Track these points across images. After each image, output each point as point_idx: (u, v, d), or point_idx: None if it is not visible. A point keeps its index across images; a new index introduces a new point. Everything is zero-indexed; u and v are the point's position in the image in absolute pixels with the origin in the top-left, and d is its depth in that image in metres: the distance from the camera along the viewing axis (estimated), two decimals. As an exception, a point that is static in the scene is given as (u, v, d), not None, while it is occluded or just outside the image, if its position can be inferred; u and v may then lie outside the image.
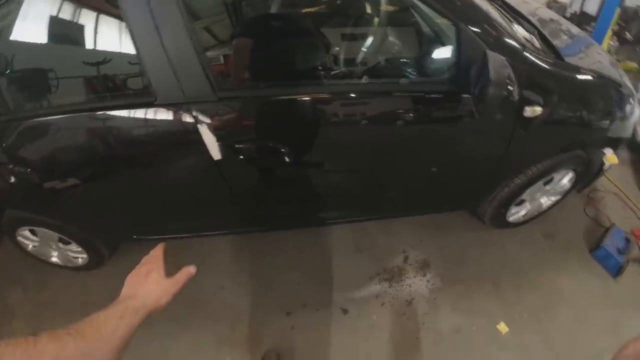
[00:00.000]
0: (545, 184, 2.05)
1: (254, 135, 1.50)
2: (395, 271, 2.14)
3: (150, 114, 1.39)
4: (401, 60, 1.71)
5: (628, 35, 3.98)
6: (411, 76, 1.63)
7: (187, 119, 1.39)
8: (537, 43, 1.78)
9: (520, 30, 1.80)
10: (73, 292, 2.17)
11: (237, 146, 1.48)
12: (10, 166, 1.53)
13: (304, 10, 1.96)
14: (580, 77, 1.71)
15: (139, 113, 1.41)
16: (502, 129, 1.64)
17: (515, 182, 1.93)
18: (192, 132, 1.41)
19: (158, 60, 1.31)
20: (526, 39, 1.72)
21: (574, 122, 1.75)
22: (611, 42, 3.94)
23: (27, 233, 1.92)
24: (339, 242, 2.24)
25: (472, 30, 1.41)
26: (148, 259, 0.76)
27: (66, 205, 1.71)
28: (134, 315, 0.62)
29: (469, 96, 1.47)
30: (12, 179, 1.55)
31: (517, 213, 2.19)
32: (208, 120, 1.40)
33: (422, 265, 2.16)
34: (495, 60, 1.32)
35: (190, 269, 0.74)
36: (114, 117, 1.41)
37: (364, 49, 1.80)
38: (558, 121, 1.70)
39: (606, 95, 1.83)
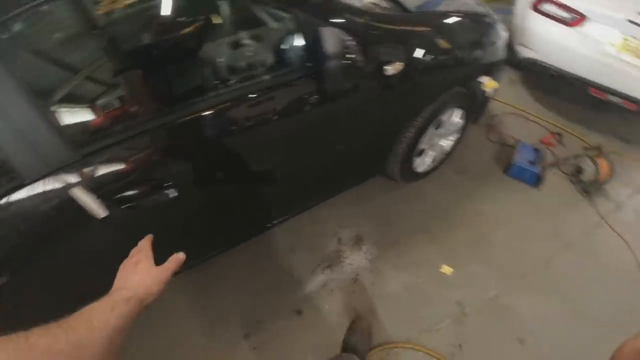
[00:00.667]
0: (437, 128, 2.16)
1: (142, 177, 1.46)
2: (333, 256, 2.17)
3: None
4: (260, 60, 1.75)
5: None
6: (276, 70, 1.65)
7: (59, 188, 1.30)
8: (385, 4, 1.88)
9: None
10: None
11: (120, 195, 1.43)
12: None
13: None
14: (444, 20, 1.87)
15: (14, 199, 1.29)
16: (369, 94, 1.71)
17: (407, 137, 2.01)
18: (63, 202, 1.31)
19: (9, 140, 1.21)
20: (372, 4, 1.81)
21: (445, 63, 1.87)
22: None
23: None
24: (273, 248, 2.24)
25: (304, 12, 1.46)
26: (136, 250, 0.77)
27: None
28: (125, 305, 0.61)
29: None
30: None
31: (423, 163, 2.29)
32: (77, 182, 1.34)
33: (356, 241, 2.21)
34: (327, 34, 1.39)
35: (180, 255, 0.76)
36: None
37: (222, 60, 1.81)
38: (427, 67, 1.80)
39: (473, 28, 1.98)
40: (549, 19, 2.74)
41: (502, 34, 2.25)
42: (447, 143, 2.32)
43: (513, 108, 3.00)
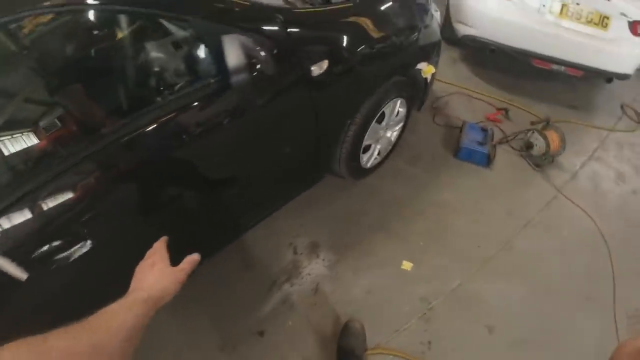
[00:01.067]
0: (380, 122, 2.07)
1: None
2: (290, 267, 2.06)
3: None
4: (168, 74, 1.60)
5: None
6: (186, 84, 1.51)
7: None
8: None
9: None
10: None
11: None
12: None
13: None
14: (374, 7, 1.75)
15: None
16: (299, 99, 1.59)
17: (349, 135, 1.92)
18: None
19: None
20: (288, 2, 1.68)
21: (380, 52, 1.77)
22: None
23: None
24: (226, 269, 2.10)
25: (205, 20, 1.33)
26: (152, 251, 0.78)
27: None
28: (142, 306, 0.62)
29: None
30: None
31: (371, 157, 2.20)
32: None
33: (312, 249, 2.11)
34: (230, 43, 1.26)
35: (195, 257, 0.77)
36: None
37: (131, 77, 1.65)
38: (361, 60, 1.69)
39: (403, 13, 1.88)
40: (485, -7, 2.70)
41: (435, 14, 2.18)
42: (392, 134, 2.24)
43: (457, 87, 2.96)
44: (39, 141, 1.24)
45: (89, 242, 1.25)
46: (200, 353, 1.86)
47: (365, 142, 2.05)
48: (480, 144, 2.45)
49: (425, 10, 2.03)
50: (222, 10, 1.33)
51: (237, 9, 1.37)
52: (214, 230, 1.85)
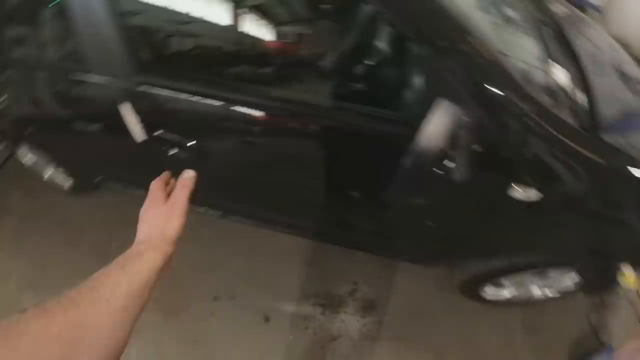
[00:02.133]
0: (538, 276, 1.62)
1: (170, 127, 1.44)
2: (335, 300, 1.93)
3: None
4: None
5: None
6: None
7: (111, 94, 1.42)
8: (577, 99, 1.31)
9: (558, 75, 1.34)
10: (58, 209, 2.42)
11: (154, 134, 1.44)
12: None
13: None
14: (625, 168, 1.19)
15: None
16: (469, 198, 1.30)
17: (491, 263, 1.55)
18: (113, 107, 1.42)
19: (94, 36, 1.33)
20: (560, 89, 1.28)
21: (586, 221, 1.29)
22: None
23: (25, 150, 2.16)
24: (293, 248, 2.09)
25: (444, 61, 1.09)
26: (148, 195, 0.64)
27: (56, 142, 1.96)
28: (138, 262, 0.51)
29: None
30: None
31: (495, 293, 1.77)
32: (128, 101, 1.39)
33: (366, 305, 1.91)
34: (444, 112, 1.01)
35: (189, 173, 0.65)
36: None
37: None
38: (561, 214, 1.27)
39: None
40: None
41: None
42: (539, 293, 1.74)
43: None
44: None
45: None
46: (216, 289, 2.02)
47: (502, 280, 1.65)
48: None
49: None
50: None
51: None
52: (343, 224, 1.78)
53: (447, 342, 1.84)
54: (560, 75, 1.36)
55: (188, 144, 1.41)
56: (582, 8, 2.71)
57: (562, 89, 1.30)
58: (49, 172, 2.31)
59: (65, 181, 2.32)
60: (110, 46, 1.32)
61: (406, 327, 1.87)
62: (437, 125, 1.05)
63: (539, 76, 1.27)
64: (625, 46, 2.02)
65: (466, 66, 1.08)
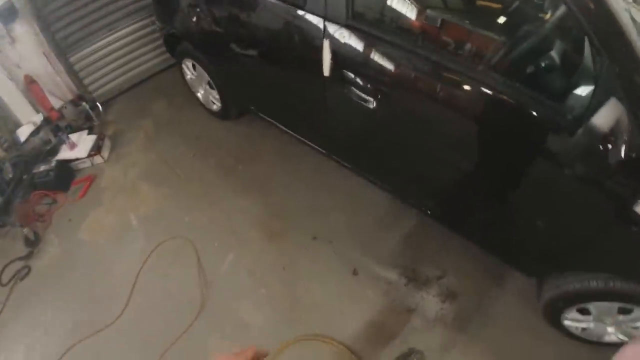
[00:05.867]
0: (624, 313, 1.59)
1: (365, 71, 1.64)
2: (422, 277, 2.04)
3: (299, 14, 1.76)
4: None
5: None
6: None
7: (318, 31, 1.70)
8: None
9: None
10: (197, 125, 2.77)
11: (345, 72, 1.67)
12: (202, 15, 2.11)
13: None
14: None
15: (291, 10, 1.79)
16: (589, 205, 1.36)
17: (588, 282, 1.55)
18: (317, 42, 1.70)
19: None
20: None
21: None
22: None
23: (189, 63, 2.51)
24: (397, 219, 2.25)
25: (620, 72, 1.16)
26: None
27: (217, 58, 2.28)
28: None
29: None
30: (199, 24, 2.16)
31: (576, 320, 1.76)
32: (333, 39, 1.64)
33: (449, 293, 1.98)
34: (612, 109, 1.12)
35: (253, 348, 0.69)
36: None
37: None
38: None
39: None
40: None
41: None
42: (611, 335, 1.68)
43: None
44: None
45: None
46: (317, 230, 2.24)
47: (587, 305, 1.63)
48: None
49: None
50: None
51: None
52: (464, 208, 1.90)
53: (512, 357, 1.86)
54: None
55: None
56: None
57: None
58: (202, 92, 2.65)
59: (212, 104, 2.65)
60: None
61: (479, 327, 1.91)
62: (605, 122, 1.12)
63: None
64: None
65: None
